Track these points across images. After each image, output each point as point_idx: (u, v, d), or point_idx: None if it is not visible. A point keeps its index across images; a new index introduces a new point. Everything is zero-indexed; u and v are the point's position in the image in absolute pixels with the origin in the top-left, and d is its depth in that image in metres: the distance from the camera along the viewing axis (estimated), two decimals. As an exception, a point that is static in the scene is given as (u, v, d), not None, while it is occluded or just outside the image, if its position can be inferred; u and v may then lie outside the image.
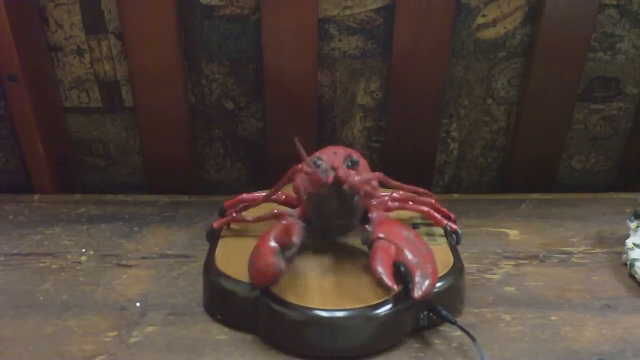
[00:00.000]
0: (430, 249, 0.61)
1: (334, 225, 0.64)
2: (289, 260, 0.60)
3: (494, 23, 0.85)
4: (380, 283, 0.58)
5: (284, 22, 0.82)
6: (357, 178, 0.61)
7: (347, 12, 0.84)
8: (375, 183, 0.65)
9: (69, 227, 0.81)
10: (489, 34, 0.85)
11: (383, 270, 0.58)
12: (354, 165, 0.63)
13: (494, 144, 0.94)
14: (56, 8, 0.83)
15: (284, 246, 0.60)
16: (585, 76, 0.89)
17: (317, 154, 0.65)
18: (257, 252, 0.60)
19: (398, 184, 0.69)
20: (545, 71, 0.86)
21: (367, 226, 0.64)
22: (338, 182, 0.59)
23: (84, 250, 0.76)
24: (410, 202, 0.70)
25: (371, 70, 0.88)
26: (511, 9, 0.84)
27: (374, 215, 0.65)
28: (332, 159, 0.62)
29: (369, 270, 0.60)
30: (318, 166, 0.62)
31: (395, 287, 0.57)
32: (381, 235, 0.61)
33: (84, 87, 0.89)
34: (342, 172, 0.60)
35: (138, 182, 0.96)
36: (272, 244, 0.60)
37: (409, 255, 0.59)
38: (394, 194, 0.70)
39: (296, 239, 0.60)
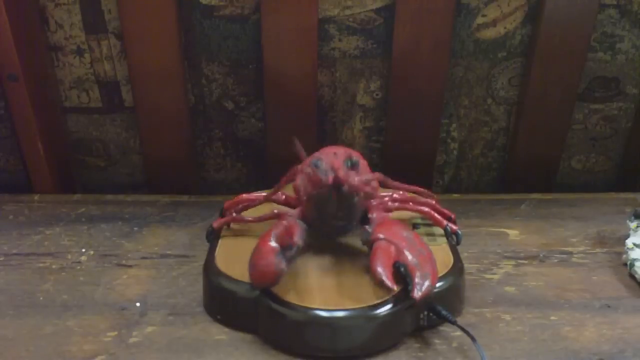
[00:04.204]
0: (430, 250, 0.61)
1: (333, 226, 0.64)
2: (289, 261, 0.60)
3: (494, 23, 0.85)
4: (380, 284, 0.58)
5: (284, 22, 0.82)
6: (356, 179, 0.61)
7: (347, 12, 0.84)
8: (375, 184, 0.65)
9: (69, 227, 0.81)
10: (489, 34, 0.86)
11: (383, 271, 0.58)
12: (354, 166, 0.62)
13: (494, 144, 0.94)
14: (56, 8, 0.83)
15: (284, 246, 0.60)
16: (585, 76, 0.89)
17: (316, 154, 0.65)
18: (257, 252, 0.60)
19: (398, 184, 0.69)
20: (545, 71, 0.86)
21: (366, 227, 0.64)
22: (338, 182, 0.60)
23: (84, 250, 0.76)
24: (410, 203, 0.70)
25: (371, 70, 0.88)
26: (511, 9, 0.84)
27: (373, 215, 0.65)
28: (332, 160, 0.62)
29: (369, 271, 0.60)
30: (318, 167, 0.62)
31: (395, 287, 0.57)
32: (381, 235, 0.61)
33: (84, 87, 0.89)
34: (342, 172, 0.60)
35: (138, 182, 0.96)
36: (273, 243, 0.60)
37: (408, 256, 0.59)
38: (394, 195, 0.70)
39: (298, 239, 0.60)
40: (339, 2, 0.83)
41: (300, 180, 0.65)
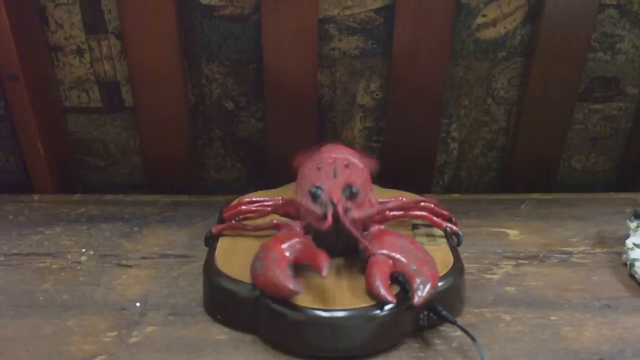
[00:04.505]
0: (427, 252, 0.61)
1: (333, 250, 0.64)
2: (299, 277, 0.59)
3: (494, 23, 0.85)
4: (378, 297, 0.58)
5: (284, 22, 0.82)
6: (356, 215, 0.61)
7: (347, 12, 0.84)
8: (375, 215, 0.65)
9: (69, 227, 0.81)
10: (489, 34, 0.85)
11: (380, 284, 0.58)
12: (353, 196, 0.62)
13: (494, 144, 0.94)
14: (56, 8, 0.83)
15: (299, 264, 0.59)
16: (585, 76, 0.89)
17: (316, 160, 0.65)
18: (271, 263, 0.59)
19: (397, 207, 0.69)
20: (545, 71, 0.86)
21: (362, 242, 0.63)
22: (337, 220, 0.59)
23: (84, 250, 0.76)
24: (408, 210, 0.70)
25: (371, 70, 0.88)
26: (511, 9, 0.84)
27: (369, 230, 0.65)
28: (331, 189, 0.61)
29: (366, 285, 0.59)
30: (317, 197, 0.61)
31: (393, 299, 0.57)
32: (376, 250, 0.61)
33: (84, 87, 0.89)
34: (341, 209, 0.60)
35: (138, 182, 0.96)
36: (288, 254, 0.59)
37: (406, 265, 0.59)
38: (392, 203, 0.70)
39: (325, 273, 0.57)
40: (339, 2, 0.83)
41: (299, 196, 0.64)
